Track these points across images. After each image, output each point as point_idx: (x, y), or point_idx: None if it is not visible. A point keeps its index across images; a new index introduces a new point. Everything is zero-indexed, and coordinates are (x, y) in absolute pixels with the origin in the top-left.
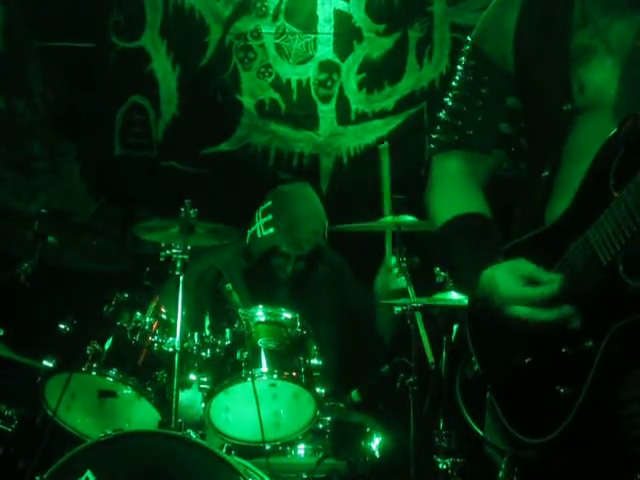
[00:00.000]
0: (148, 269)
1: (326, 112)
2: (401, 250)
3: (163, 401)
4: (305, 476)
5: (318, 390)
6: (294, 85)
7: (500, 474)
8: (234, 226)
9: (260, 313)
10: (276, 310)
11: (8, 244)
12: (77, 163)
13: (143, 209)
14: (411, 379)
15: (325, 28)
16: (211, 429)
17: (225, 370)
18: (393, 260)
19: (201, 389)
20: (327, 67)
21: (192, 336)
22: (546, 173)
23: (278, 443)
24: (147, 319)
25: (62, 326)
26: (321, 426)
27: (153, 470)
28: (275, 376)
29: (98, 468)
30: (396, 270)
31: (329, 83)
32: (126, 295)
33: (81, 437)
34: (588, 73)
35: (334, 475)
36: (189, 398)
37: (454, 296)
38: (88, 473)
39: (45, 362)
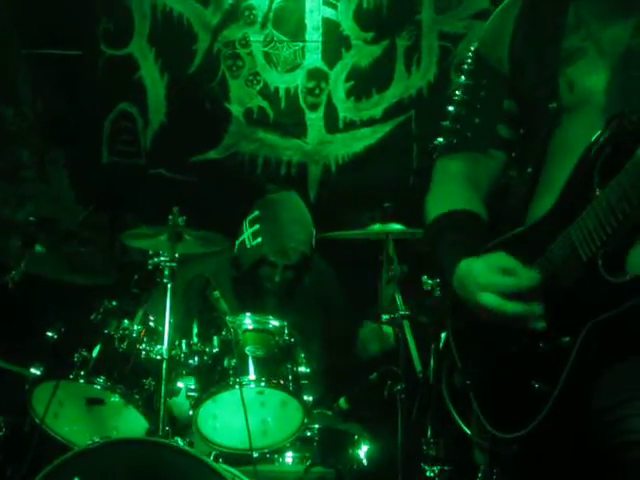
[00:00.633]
0: (136, 277)
1: (314, 120)
2: (389, 258)
3: (151, 409)
4: None
5: (306, 398)
6: (282, 93)
7: (479, 475)
8: (222, 233)
9: (248, 321)
10: (264, 318)
11: None
12: (65, 171)
13: (131, 216)
14: (399, 387)
15: (313, 36)
16: (198, 436)
17: (213, 378)
18: (385, 328)
19: (189, 396)
20: (315, 75)
21: (180, 344)
22: (529, 170)
23: (266, 451)
24: (135, 327)
25: (50, 334)
26: (309, 434)
27: (141, 478)
28: (263, 384)
29: (86, 475)
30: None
31: (317, 91)
32: (114, 303)
33: (69, 444)
34: (578, 73)
35: None
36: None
37: None
38: None
39: (33, 370)
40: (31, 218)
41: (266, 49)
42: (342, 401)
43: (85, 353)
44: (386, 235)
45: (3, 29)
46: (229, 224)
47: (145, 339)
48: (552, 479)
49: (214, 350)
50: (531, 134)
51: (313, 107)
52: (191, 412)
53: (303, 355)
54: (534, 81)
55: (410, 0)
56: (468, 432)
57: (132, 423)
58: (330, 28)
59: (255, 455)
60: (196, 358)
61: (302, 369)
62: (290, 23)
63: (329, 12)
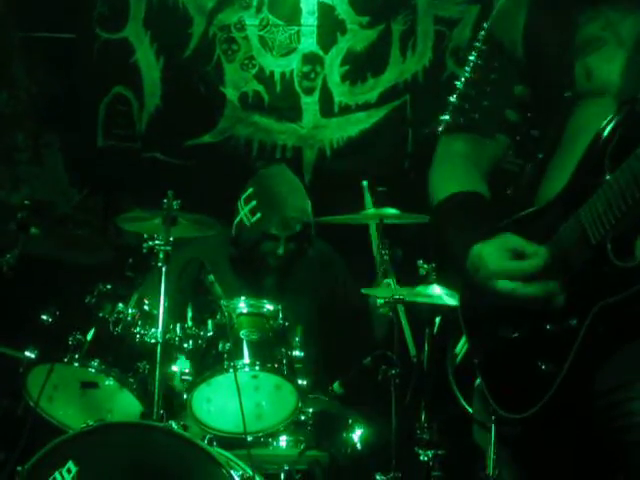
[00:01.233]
0: (130, 260)
1: (309, 104)
2: (384, 242)
3: (145, 392)
4: (287, 467)
5: (300, 382)
6: (277, 77)
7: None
8: (217, 217)
9: (242, 305)
10: (258, 302)
11: None
12: (60, 154)
13: (126, 200)
14: (393, 371)
15: (309, 20)
16: (193, 420)
17: (207, 361)
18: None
19: (183, 380)
20: (310, 59)
21: (174, 327)
22: (540, 156)
23: (260, 434)
24: (129, 310)
25: (44, 317)
26: (303, 418)
27: (135, 461)
28: (257, 368)
29: (80, 459)
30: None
31: (312, 75)
32: (108, 286)
33: (63, 428)
34: (597, 62)
35: (316, 466)
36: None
37: (436, 290)
38: (70, 464)
39: (27, 353)
40: (26, 201)
41: (261, 33)
42: (336, 385)
43: (80, 336)
44: (380, 219)
45: None
46: (224, 208)
47: (139, 322)
48: (555, 460)
49: (208, 334)
50: (544, 120)
51: (308, 91)
52: (185, 396)
53: (297, 339)
54: (551, 69)
55: None
56: (470, 410)
57: (126, 406)
58: (325, 12)
59: (249, 439)
60: (190, 342)
61: (296, 353)
62: (285, 7)
63: None
